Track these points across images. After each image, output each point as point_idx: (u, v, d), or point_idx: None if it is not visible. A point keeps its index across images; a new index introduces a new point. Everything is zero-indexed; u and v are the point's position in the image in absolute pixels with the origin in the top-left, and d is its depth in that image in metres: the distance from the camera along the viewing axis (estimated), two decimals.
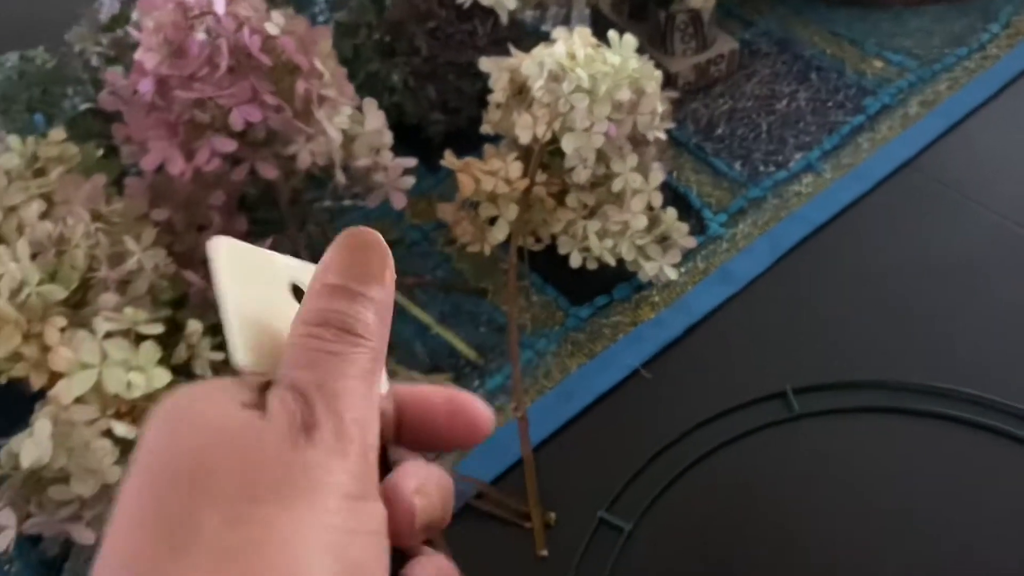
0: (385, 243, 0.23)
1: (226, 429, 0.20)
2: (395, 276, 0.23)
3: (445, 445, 0.25)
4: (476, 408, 0.25)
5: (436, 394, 0.25)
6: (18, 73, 0.62)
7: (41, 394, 0.53)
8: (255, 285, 0.23)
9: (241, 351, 0.22)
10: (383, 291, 0.22)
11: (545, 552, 0.49)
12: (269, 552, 0.18)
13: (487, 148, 0.61)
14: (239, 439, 0.20)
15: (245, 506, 0.19)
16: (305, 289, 0.23)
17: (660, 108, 0.54)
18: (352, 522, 0.20)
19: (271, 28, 0.51)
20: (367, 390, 0.21)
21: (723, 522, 0.50)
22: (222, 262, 0.23)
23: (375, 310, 0.22)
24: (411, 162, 0.57)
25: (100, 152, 0.58)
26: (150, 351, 0.44)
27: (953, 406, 0.53)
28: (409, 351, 0.59)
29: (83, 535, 0.48)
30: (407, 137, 0.63)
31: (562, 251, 0.59)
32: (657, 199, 0.56)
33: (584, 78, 0.51)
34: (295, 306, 0.23)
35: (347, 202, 0.69)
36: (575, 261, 0.58)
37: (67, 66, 0.64)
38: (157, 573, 0.18)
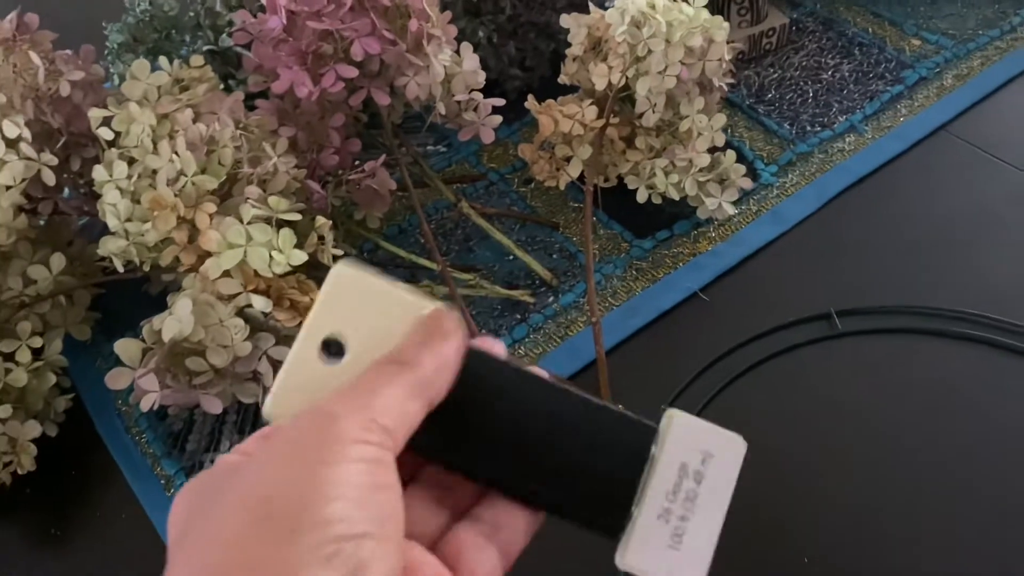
0: (457, 323, 0.28)
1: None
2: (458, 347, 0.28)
3: None
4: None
5: None
6: (149, 17, 0.69)
7: (164, 294, 0.60)
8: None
9: (270, 403, 0.28)
10: (440, 350, 0.27)
11: None
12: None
13: (561, 98, 0.68)
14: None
15: None
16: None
17: (727, 56, 0.61)
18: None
19: None
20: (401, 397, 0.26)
21: (773, 421, 0.56)
22: (327, 292, 0.28)
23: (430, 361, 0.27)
24: (499, 101, 0.64)
25: (221, 87, 0.66)
26: (289, 235, 0.51)
27: (982, 329, 0.59)
28: (491, 272, 0.66)
29: (211, 404, 0.54)
30: (484, 92, 0.70)
31: (631, 187, 0.65)
32: (720, 139, 0.63)
33: (663, 24, 0.58)
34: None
35: (431, 147, 0.76)
36: (641, 196, 0.65)
37: (187, 13, 0.72)
38: None
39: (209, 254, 0.52)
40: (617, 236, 0.68)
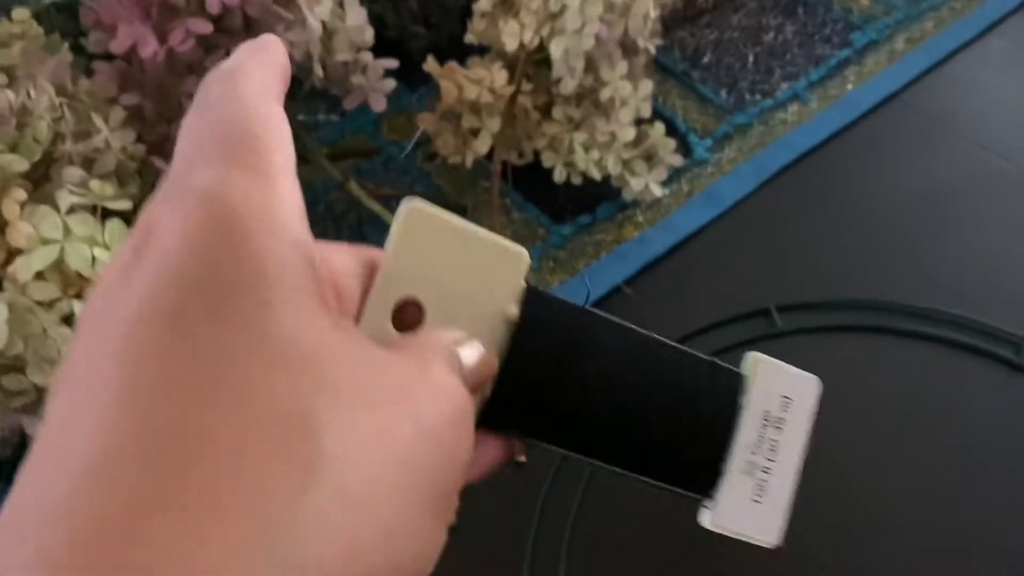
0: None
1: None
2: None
3: None
4: None
5: None
6: None
7: None
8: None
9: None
10: None
11: (523, 458, 0.48)
12: None
13: (472, 60, 0.59)
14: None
15: None
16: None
17: (653, 13, 0.53)
18: None
19: None
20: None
21: None
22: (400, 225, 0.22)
23: None
24: (392, 63, 0.55)
25: (65, 46, 0.55)
26: (117, 228, 0.42)
27: (933, 325, 0.53)
28: None
29: (37, 428, 0.45)
30: (387, 51, 0.61)
31: (546, 164, 0.57)
32: (646, 110, 0.55)
33: None
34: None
35: (321, 116, 0.67)
36: (559, 176, 0.57)
37: None
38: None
39: (20, 251, 0.42)
40: (533, 221, 0.59)
